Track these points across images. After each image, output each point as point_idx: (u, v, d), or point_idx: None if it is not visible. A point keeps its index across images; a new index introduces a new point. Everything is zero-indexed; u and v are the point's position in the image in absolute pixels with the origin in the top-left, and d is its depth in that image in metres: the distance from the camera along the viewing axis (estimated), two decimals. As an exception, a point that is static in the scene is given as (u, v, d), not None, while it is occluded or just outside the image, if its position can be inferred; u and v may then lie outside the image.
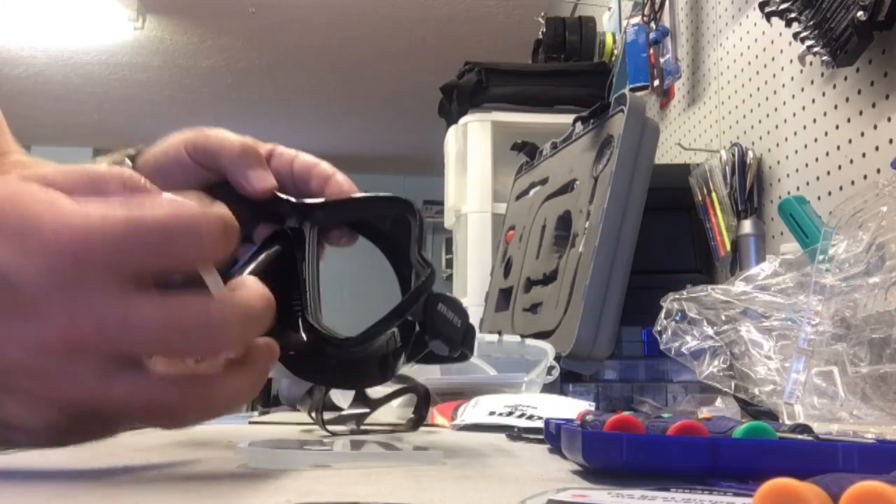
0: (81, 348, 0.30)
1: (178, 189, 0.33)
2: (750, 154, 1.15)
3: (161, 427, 0.34)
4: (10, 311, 0.29)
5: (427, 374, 0.95)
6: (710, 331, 0.74)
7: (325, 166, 0.51)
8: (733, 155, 1.16)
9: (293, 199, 0.49)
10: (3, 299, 0.29)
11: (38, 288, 0.29)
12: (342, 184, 0.51)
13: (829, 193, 0.97)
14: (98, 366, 0.30)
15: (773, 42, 1.16)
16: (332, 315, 0.48)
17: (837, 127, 0.96)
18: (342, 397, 0.70)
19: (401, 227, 0.50)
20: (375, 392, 0.66)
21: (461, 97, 1.98)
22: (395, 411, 0.75)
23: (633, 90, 1.53)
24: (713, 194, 1.18)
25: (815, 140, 1.02)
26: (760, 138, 1.19)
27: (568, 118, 1.33)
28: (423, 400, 0.64)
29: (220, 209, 0.32)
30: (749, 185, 1.14)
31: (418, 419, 0.64)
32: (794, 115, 1.08)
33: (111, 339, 0.30)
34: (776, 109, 1.14)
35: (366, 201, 0.51)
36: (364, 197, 0.51)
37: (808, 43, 0.90)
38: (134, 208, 0.30)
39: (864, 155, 0.90)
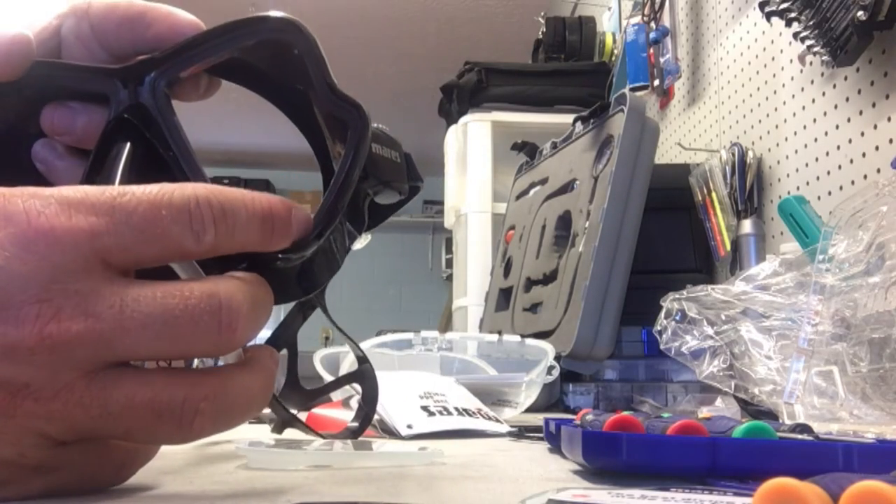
0: (67, 349, 0.25)
1: None
2: (750, 154, 1.15)
3: (167, 440, 0.28)
4: None
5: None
6: (710, 331, 0.74)
7: (142, 4, 0.36)
8: (733, 155, 1.16)
9: (108, 66, 0.35)
10: None
11: (9, 279, 0.25)
12: (169, 17, 0.36)
13: (829, 193, 0.97)
14: (86, 368, 0.26)
15: (773, 42, 1.16)
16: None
17: (837, 127, 0.96)
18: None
19: (287, 60, 0.35)
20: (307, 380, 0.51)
21: (461, 97, 1.98)
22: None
23: (633, 90, 1.53)
24: (713, 194, 1.18)
25: (815, 140, 1.02)
26: (760, 138, 1.19)
27: (568, 118, 1.33)
28: (370, 394, 0.49)
29: (208, 185, 0.28)
30: (749, 184, 1.14)
31: (362, 423, 0.50)
32: (794, 115, 1.08)
33: (104, 333, 0.25)
34: (776, 109, 1.14)
35: (209, 38, 0.35)
36: (208, 33, 0.35)
37: (808, 43, 0.90)
38: (117, 191, 0.27)
39: (864, 155, 0.90)
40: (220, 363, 0.30)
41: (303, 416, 0.56)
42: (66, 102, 0.36)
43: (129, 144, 0.33)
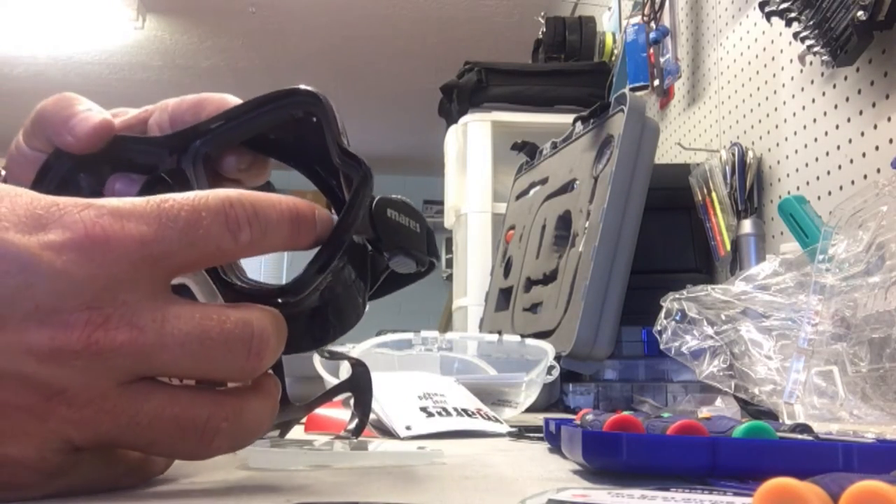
0: (109, 357, 0.26)
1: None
2: (750, 154, 1.15)
3: (185, 455, 0.29)
4: (29, 313, 0.25)
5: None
6: (710, 331, 0.74)
7: (204, 94, 0.41)
8: (733, 155, 1.16)
9: (155, 135, 0.40)
10: (20, 298, 0.25)
11: (67, 284, 0.25)
12: (221, 100, 0.41)
13: (829, 193, 0.97)
14: (121, 379, 0.26)
15: (773, 42, 1.16)
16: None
17: (837, 127, 0.96)
18: None
19: (308, 129, 0.39)
20: (301, 394, 0.55)
21: (461, 97, 1.98)
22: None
23: (633, 90, 1.53)
24: (713, 194, 1.18)
25: (815, 140, 1.02)
26: (760, 138, 1.19)
27: (568, 118, 1.33)
28: (363, 400, 0.51)
29: (242, 191, 0.29)
30: (749, 184, 1.14)
31: (359, 424, 0.51)
32: (794, 114, 1.08)
33: (145, 347, 0.26)
34: (776, 109, 1.14)
35: (247, 109, 0.39)
36: (242, 106, 0.40)
37: (808, 43, 0.90)
38: (160, 198, 0.28)
39: (864, 155, 0.90)
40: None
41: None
42: (128, 174, 0.40)
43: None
